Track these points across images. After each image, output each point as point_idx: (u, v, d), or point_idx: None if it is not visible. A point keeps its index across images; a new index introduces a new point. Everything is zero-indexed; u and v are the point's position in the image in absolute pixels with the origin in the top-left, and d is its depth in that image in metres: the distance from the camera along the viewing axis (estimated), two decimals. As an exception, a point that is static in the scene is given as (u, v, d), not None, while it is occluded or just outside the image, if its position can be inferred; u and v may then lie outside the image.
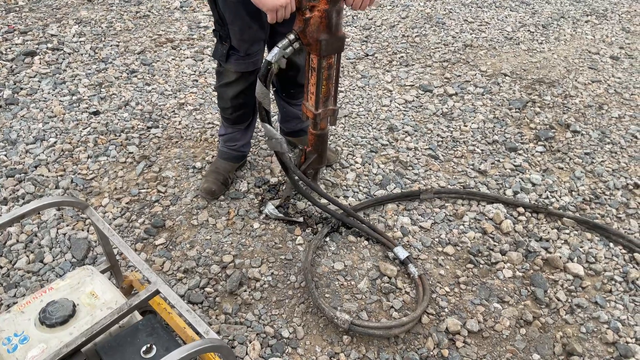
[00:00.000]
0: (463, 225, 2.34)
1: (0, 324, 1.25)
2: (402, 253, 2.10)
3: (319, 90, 2.00)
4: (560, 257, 2.15)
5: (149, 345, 1.19)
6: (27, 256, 2.17)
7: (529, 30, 4.34)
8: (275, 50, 1.86)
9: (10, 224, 1.36)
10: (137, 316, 1.35)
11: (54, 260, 2.15)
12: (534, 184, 2.59)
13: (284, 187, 2.46)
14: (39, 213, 2.37)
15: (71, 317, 1.25)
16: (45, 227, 2.29)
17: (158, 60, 3.65)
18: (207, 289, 2.01)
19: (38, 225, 2.31)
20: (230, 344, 1.82)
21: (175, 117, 3.05)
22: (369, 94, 3.31)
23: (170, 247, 2.20)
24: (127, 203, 2.42)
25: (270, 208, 2.33)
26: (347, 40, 4.00)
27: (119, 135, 2.86)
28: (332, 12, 1.76)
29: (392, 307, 1.96)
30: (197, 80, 3.44)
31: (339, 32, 1.84)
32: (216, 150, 2.74)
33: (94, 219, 1.44)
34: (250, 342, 1.83)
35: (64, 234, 2.26)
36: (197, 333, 1.22)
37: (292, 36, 1.86)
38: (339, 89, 2.15)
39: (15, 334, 1.23)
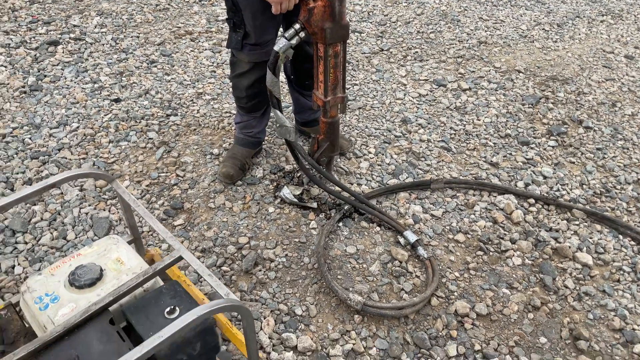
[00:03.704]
0: (474, 214, 2.38)
1: (32, 284, 1.33)
2: (411, 237, 2.15)
3: (326, 78, 2.05)
4: (570, 247, 2.19)
5: (172, 306, 1.26)
6: (51, 233, 2.25)
7: (543, 29, 4.36)
8: (282, 40, 1.93)
9: (43, 192, 1.43)
10: (159, 282, 1.42)
11: (76, 237, 2.23)
12: (545, 177, 2.63)
13: (299, 174, 2.52)
14: (62, 193, 2.45)
15: (98, 280, 1.32)
16: (68, 207, 2.38)
17: (177, 52, 3.73)
18: (224, 268, 2.08)
19: (61, 204, 2.39)
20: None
21: (193, 105, 3.12)
22: (383, 87, 3.36)
23: (189, 227, 2.27)
24: (147, 186, 2.50)
25: (285, 192, 2.39)
26: (362, 35, 4.05)
27: (139, 122, 2.94)
28: (335, 1, 1.82)
29: (402, 289, 2.01)
30: (215, 72, 3.51)
31: (343, 20, 1.90)
32: (233, 137, 2.81)
33: (120, 191, 1.51)
34: (264, 318, 1.89)
35: (86, 213, 2.34)
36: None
37: (297, 26, 1.92)
38: (346, 78, 2.20)
39: (47, 294, 1.30)
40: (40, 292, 1.30)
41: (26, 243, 2.21)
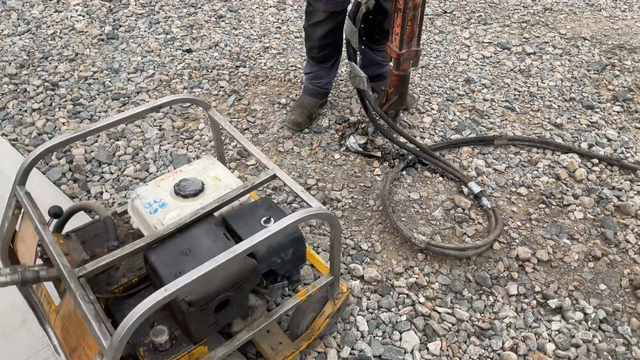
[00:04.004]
0: (537, 170, 2.42)
1: (141, 192, 1.48)
2: (475, 187, 2.22)
3: (403, 31, 2.11)
4: (632, 205, 2.21)
5: (267, 217, 1.38)
6: (134, 166, 2.43)
7: (612, -2, 4.24)
8: None
9: (151, 112, 1.58)
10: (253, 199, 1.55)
11: (157, 170, 2.40)
12: (609, 139, 2.63)
13: (363, 126, 2.60)
14: (142, 131, 2.63)
15: (201, 192, 1.46)
16: (149, 144, 2.55)
17: (243, 8, 3.83)
18: (294, 205, 2.21)
19: (142, 141, 2.57)
20: (315, 250, 2.02)
21: (260, 59, 3.23)
22: (446, 48, 3.38)
23: (260, 168, 2.41)
24: (220, 128, 2.63)
25: (351, 141, 2.49)
26: (425, -3, 4.05)
27: (211, 72, 3.08)
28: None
29: (465, 233, 2.10)
30: (280, 28, 3.61)
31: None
32: (299, 90, 2.91)
33: (216, 118, 1.64)
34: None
35: (166, 150, 2.51)
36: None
37: None
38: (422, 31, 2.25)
39: (155, 201, 1.45)
40: (149, 199, 1.45)
41: (112, 173, 2.40)
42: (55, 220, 1.45)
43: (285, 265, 1.40)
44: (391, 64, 2.36)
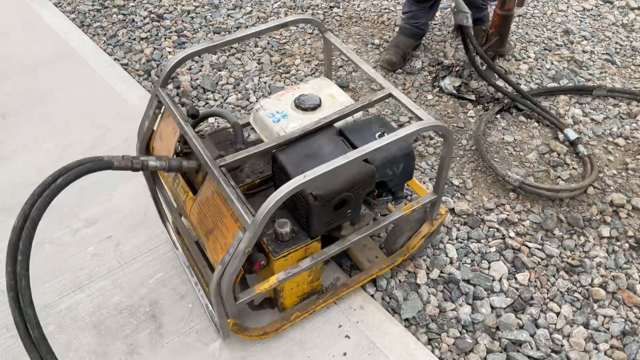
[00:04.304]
0: (636, 123, 2.37)
1: (264, 104, 1.60)
2: (572, 134, 2.21)
3: (513, -31, 2.09)
4: None
5: (382, 132, 1.47)
6: (236, 95, 2.58)
7: None
8: None
9: (277, 29, 1.69)
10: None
11: (257, 100, 2.54)
12: None
13: (457, 69, 2.62)
14: (242, 64, 2.76)
15: (318, 107, 1.57)
16: (249, 76, 2.68)
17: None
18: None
19: (243, 73, 2.70)
20: (408, 180, 2.10)
21: (354, 0, 3.27)
22: (545, -1, 3.28)
23: (355, 102, 2.49)
24: (315, 65, 2.73)
25: (446, 82, 2.52)
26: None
27: (306, 11, 3.15)
28: None
29: (558, 177, 2.11)
30: (373, -28, 3.60)
31: None
32: (392, 32, 2.94)
33: (333, 40, 1.73)
34: (424, 183, 2.10)
35: (265, 82, 2.64)
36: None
37: None
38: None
39: (277, 112, 1.57)
40: (272, 110, 1.58)
41: (215, 100, 2.56)
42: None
43: (395, 179, 1.49)
44: (494, 4, 2.34)
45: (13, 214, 1.99)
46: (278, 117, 1.55)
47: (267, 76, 2.67)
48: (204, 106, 2.53)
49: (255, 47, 2.87)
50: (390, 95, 1.53)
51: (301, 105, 1.56)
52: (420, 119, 1.40)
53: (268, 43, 2.89)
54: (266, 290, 1.38)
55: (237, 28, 3.01)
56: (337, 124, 1.52)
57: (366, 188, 1.39)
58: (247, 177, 1.54)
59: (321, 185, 1.31)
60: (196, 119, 1.53)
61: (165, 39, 2.95)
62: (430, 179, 2.13)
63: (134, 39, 2.96)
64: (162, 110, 1.54)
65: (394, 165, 1.46)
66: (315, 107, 1.56)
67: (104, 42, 2.93)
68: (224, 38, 1.57)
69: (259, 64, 2.76)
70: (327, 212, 1.35)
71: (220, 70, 2.72)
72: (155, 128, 1.59)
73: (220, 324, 1.44)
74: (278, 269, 1.41)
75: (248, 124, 1.69)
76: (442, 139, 2.25)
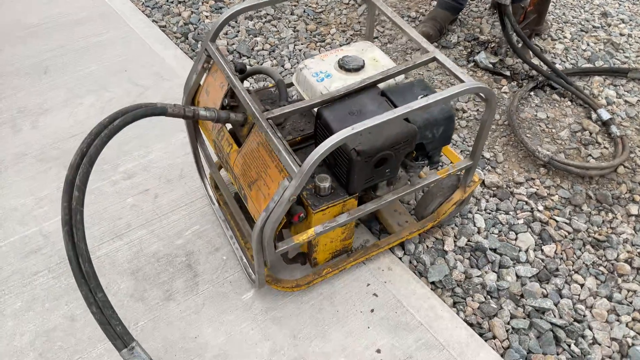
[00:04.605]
0: (671, 107, 2.36)
1: (308, 64, 1.64)
2: (605, 114, 2.22)
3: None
4: None
5: (424, 94, 1.50)
6: (271, 61, 2.61)
7: None
8: None
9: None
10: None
11: (292, 67, 2.58)
12: None
13: (493, 45, 2.62)
14: (278, 31, 2.79)
15: (362, 68, 1.60)
16: (284, 43, 2.71)
17: None
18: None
19: (278, 40, 2.73)
20: (440, 151, 2.13)
21: (390, -26, 3.26)
22: (584, -20, 3.24)
23: (389, 73, 2.52)
24: (351, 35, 2.75)
25: (482, 56, 2.52)
26: None
27: (342, -18, 3.16)
28: None
29: (589, 155, 2.13)
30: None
31: None
32: (428, 6, 2.94)
33: (379, 4, 1.75)
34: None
35: (300, 50, 2.67)
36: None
37: None
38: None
39: (321, 72, 1.61)
40: (316, 69, 1.61)
41: (251, 65, 2.60)
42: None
43: (434, 142, 1.53)
44: (535, -19, 2.34)
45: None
46: (322, 76, 1.59)
47: (302, 44, 2.70)
48: (239, 70, 2.57)
49: (291, 14, 2.90)
50: (434, 59, 1.55)
51: (345, 65, 1.60)
52: (463, 81, 1.43)
53: (304, 11, 2.91)
54: (304, 240, 1.44)
55: (274, -4, 3.03)
56: (380, 85, 1.55)
57: (406, 148, 1.43)
58: (288, 134, 1.58)
59: (364, 141, 1.35)
60: (243, 74, 1.57)
61: (202, 3, 2.99)
62: (461, 151, 2.16)
63: (172, 2, 3.00)
64: (210, 65, 1.59)
65: (434, 128, 1.49)
66: (358, 69, 1.59)
67: (143, 3, 2.98)
68: (273, -5, 1.60)
69: (294, 31, 2.78)
70: (368, 169, 1.40)
71: (256, 37, 2.76)
72: (201, 83, 1.64)
73: (258, 272, 1.50)
74: (315, 223, 1.46)
75: (290, 84, 1.74)
76: (475, 113, 2.27)
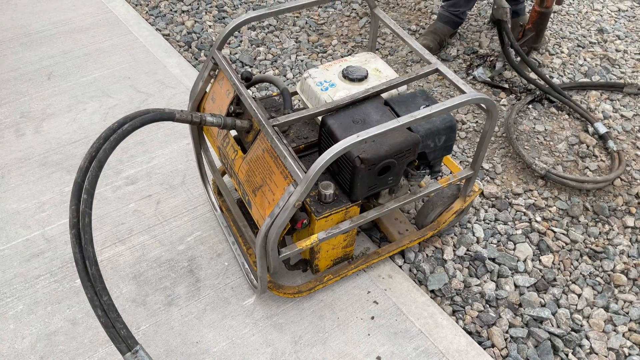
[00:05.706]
0: (666, 122, 2.41)
1: (313, 73, 1.67)
2: (602, 128, 2.26)
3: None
4: None
5: (426, 104, 1.54)
6: (273, 70, 2.65)
7: None
8: None
9: (330, 1, 1.73)
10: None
11: (294, 77, 2.61)
12: None
13: (491, 59, 2.66)
14: (280, 41, 2.83)
15: (365, 78, 1.63)
16: (286, 53, 2.75)
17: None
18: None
19: (280, 50, 2.77)
20: (440, 161, 2.16)
21: (391, -13, 3.32)
22: (580, -3, 3.31)
23: (389, 85, 2.55)
24: (352, 46, 2.79)
25: (480, 71, 2.57)
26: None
27: (344, -6, 3.21)
28: None
29: (587, 167, 2.16)
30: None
31: None
32: (429, 19, 2.99)
33: (382, 15, 1.78)
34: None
35: (301, 60, 2.70)
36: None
37: None
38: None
39: (325, 81, 1.64)
40: (320, 79, 1.64)
41: (254, 74, 2.63)
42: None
43: (436, 151, 1.56)
44: (531, 1, 2.38)
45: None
46: (326, 85, 1.62)
47: (304, 55, 2.74)
48: (242, 79, 2.60)
49: (293, 25, 2.94)
50: (436, 70, 1.58)
51: (349, 75, 1.63)
52: (464, 92, 1.46)
53: (306, 23, 2.95)
54: (307, 246, 1.46)
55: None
56: (383, 95, 1.58)
57: (409, 156, 1.45)
58: (292, 141, 1.61)
59: (368, 149, 1.38)
60: (249, 82, 1.60)
61: (205, 12, 3.03)
62: (460, 161, 2.19)
63: (176, 11, 3.04)
64: (216, 73, 1.61)
65: (436, 137, 1.52)
66: (362, 79, 1.62)
67: (147, 12, 3.01)
68: (281, 6, 1.64)
69: (296, 42, 2.82)
70: (371, 177, 1.42)
71: (258, 46, 2.79)
72: (207, 90, 1.67)
73: (260, 278, 1.51)
74: (318, 229, 1.48)
75: (294, 93, 1.76)
76: (474, 124, 2.31)
